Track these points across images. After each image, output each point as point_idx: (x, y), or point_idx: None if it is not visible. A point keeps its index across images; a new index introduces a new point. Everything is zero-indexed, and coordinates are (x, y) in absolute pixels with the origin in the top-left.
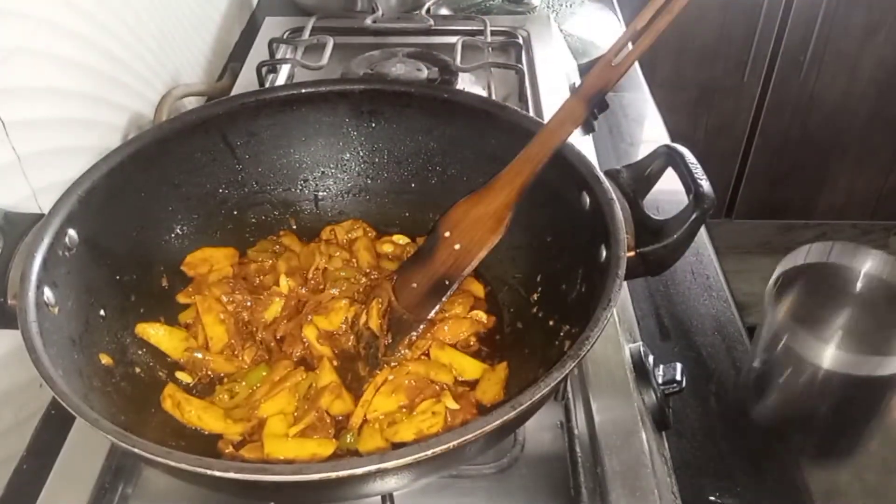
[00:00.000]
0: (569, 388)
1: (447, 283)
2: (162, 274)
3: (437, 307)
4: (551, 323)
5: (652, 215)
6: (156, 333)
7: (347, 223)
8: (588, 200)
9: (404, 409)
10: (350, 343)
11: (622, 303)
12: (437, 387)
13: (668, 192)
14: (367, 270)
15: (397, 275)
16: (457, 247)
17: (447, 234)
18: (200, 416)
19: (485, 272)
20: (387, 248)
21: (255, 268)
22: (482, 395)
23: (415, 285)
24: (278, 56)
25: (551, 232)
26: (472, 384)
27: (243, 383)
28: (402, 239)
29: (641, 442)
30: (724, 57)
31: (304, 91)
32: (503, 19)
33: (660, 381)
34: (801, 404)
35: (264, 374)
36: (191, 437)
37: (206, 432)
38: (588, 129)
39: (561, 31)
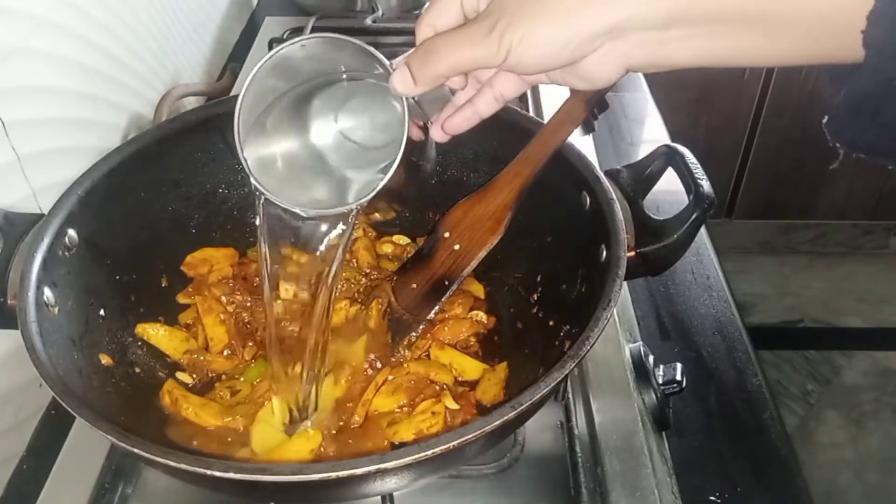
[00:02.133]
0: (569, 388)
1: (447, 283)
2: (162, 274)
3: (437, 308)
4: (551, 323)
5: (652, 215)
6: (156, 333)
7: None
8: (588, 200)
9: (404, 409)
10: None
11: (622, 303)
12: (437, 387)
13: (668, 192)
14: (367, 271)
15: (397, 275)
16: (456, 247)
17: (447, 234)
18: (198, 412)
19: (485, 272)
20: (387, 248)
21: (255, 268)
22: (482, 395)
23: (414, 286)
24: None
25: (551, 232)
26: (472, 384)
27: (242, 379)
28: (402, 239)
29: (641, 442)
30: None
31: None
32: None
33: (660, 381)
34: None
35: (263, 369)
36: None
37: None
38: (588, 129)
39: None
